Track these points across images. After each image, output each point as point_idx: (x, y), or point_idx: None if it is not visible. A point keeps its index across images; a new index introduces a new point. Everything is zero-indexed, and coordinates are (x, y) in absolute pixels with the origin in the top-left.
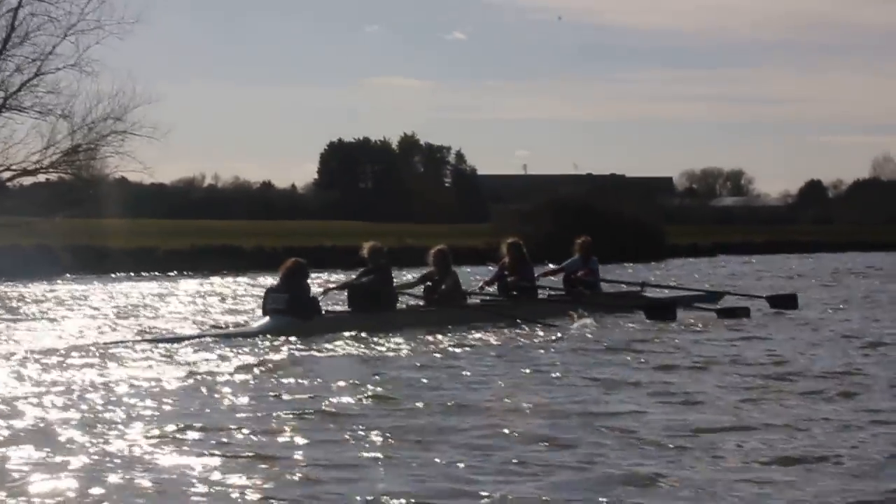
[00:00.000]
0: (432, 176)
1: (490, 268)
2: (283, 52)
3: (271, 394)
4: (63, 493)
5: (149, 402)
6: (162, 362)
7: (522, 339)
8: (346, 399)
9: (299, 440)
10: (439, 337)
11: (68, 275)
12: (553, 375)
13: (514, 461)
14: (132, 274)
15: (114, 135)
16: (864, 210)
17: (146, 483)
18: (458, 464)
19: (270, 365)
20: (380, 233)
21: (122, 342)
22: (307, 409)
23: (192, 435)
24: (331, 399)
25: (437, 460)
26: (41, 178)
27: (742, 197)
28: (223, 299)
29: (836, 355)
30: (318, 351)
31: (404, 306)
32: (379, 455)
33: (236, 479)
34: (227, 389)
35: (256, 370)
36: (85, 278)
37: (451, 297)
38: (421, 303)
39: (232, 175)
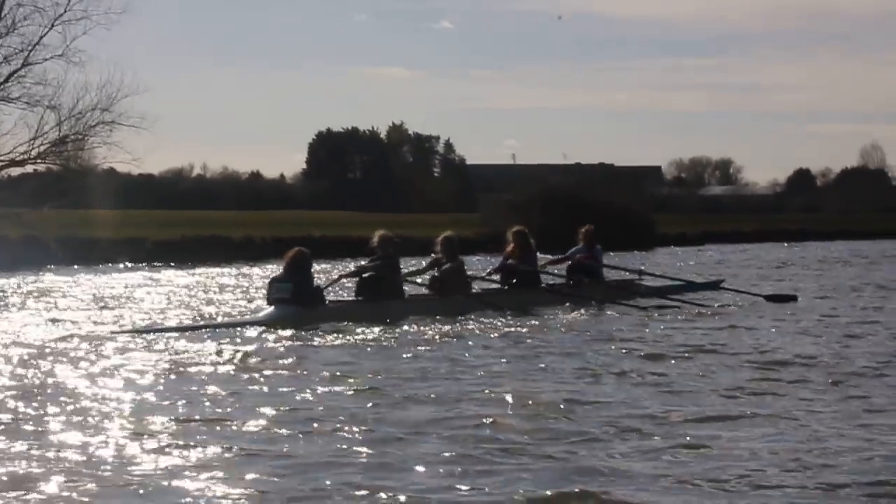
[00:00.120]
0: (421, 166)
1: (477, 259)
2: (272, 41)
3: (268, 386)
4: (48, 488)
5: (146, 395)
6: (164, 353)
7: (520, 329)
8: (338, 389)
9: (289, 433)
10: (440, 327)
11: (56, 266)
12: (541, 365)
13: (499, 451)
14: (121, 265)
15: (101, 125)
16: (851, 199)
17: (134, 478)
18: (445, 453)
19: (272, 355)
20: (370, 223)
21: (117, 332)
22: (297, 403)
23: (186, 427)
24: (324, 389)
25: (423, 452)
26: (29, 168)
27: (730, 186)
28: (212, 290)
29: (825, 343)
30: (321, 340)
31: (413, 293)
32: (367, 450)
33: (231, 473)
34: (221, 381)
35: (256, 361)
36: (73, 269)
37: (455, 284)
38: (425, 291)
39: (220, 165)
